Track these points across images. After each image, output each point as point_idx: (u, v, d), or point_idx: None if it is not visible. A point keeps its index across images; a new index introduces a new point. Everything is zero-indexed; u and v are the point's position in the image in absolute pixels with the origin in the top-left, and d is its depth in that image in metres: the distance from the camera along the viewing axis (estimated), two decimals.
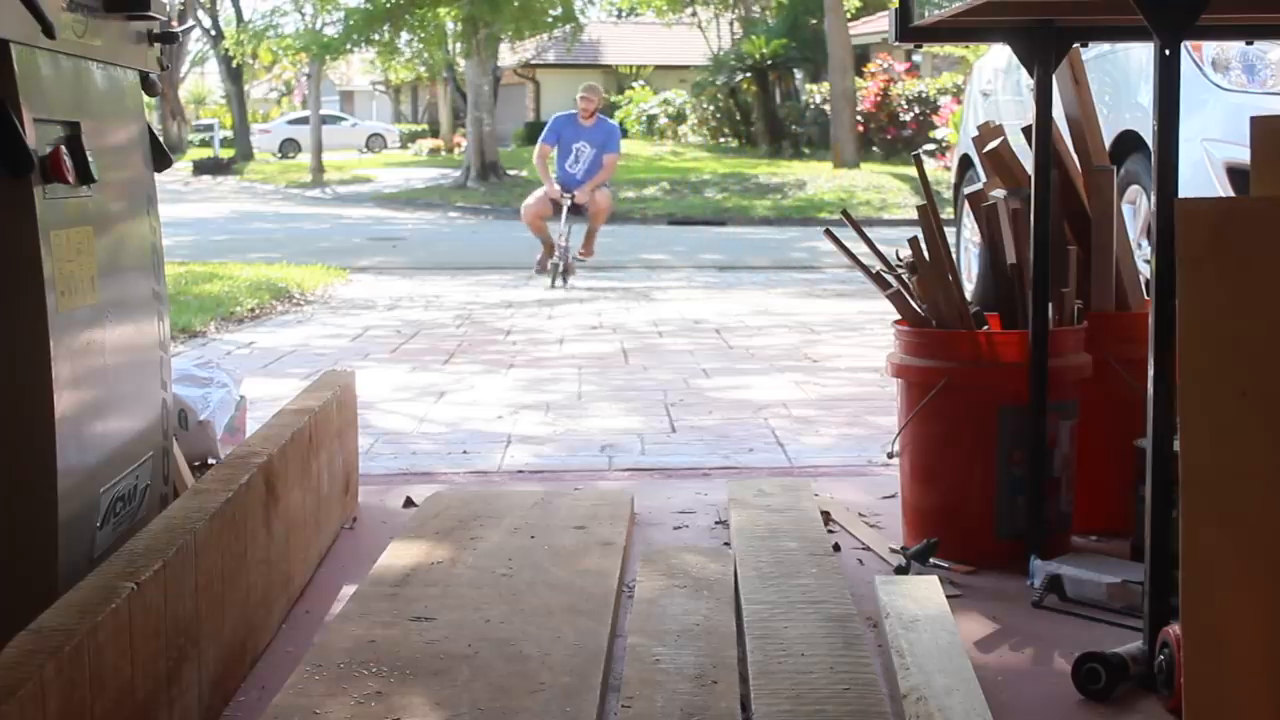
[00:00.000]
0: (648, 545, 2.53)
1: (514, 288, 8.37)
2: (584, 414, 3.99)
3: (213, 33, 34.33)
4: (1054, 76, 2.40)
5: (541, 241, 8.92)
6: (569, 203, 8.81)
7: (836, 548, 2.50)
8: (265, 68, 37.79)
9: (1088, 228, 2.61)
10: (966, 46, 16.10)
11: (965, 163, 6.40)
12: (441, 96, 37.49)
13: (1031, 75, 2.39)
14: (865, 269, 2.68)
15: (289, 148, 37.38)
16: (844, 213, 2.78)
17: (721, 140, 27.20)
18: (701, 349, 5.36)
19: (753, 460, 3.34)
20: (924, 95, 21.22)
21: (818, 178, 18.08)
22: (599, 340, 5.74)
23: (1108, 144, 3.95)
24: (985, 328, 2.55)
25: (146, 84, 2.24)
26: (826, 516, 2.71)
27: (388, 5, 21.30)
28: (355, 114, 47.35)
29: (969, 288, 2.74)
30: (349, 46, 23.10)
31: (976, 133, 2.75)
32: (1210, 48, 4.19)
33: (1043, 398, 2.39)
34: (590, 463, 3.35)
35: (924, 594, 2.13)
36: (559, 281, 8.43)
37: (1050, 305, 2.43)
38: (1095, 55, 4.58)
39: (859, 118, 21.34)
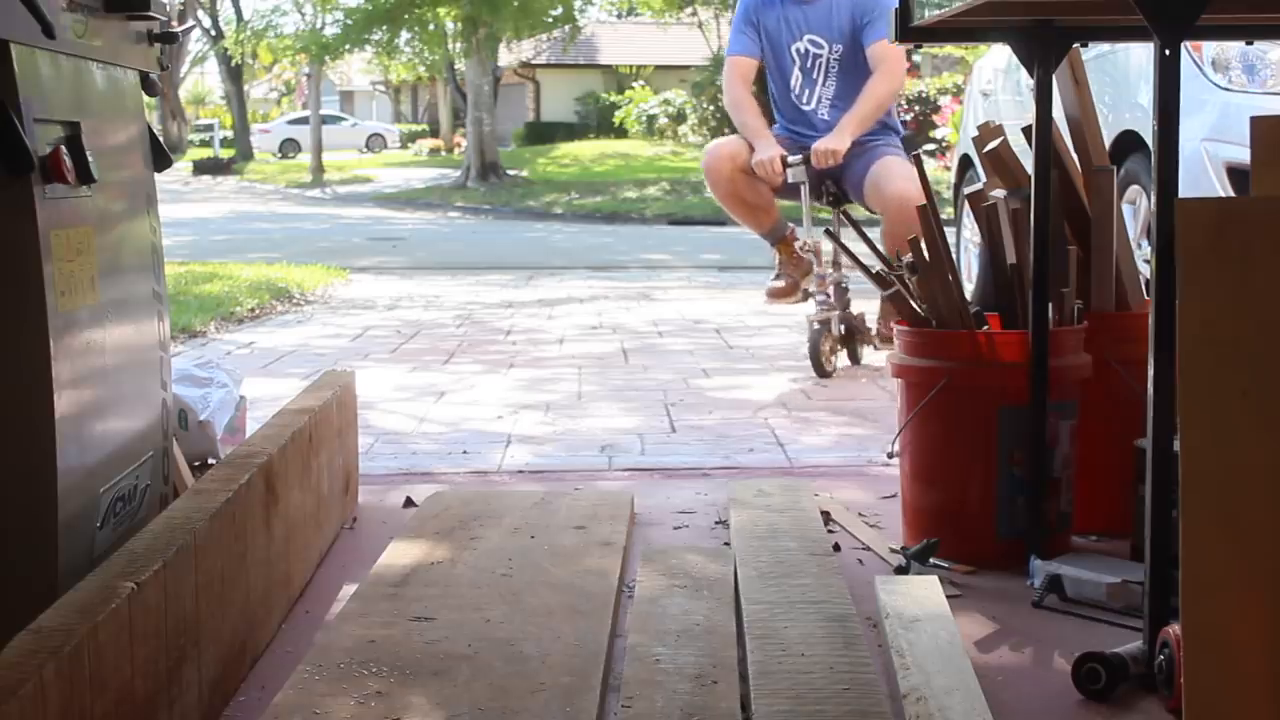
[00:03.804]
0: (648, 545, 2.53)
1: (514, 288, 8.36)
2: (584, 414, 3.99)
3: (213, 33, 34.35)
4: (1054, 76, 2.40)
5: (769, 244, 4.93)
6: (805, 175, 4.55)
7: (836, 548, 2.50)
8: (265, 68, 37.82)
9: (1088, 228, 2.61)
10: (966, 47, 16.11)
11: (965, 163, 6.40)
12: (441, 96, 37.51)
13: (1031, 75, 2.39)
14: (865, 269, 2.68)
15: (289, 148, 37.41)
16: (844, 213, 2.78)
17: (721, 140, 27.20)
18: (701, 349, 5.36)
19: (753, 460, 3.34)
20: (924, 95, 21.22)
21: None
22: (599, 340, 5.74)
23: (1108, 144, 3.95)
24: (985, 328, 2.56)
25: (146, 84, 2.24)
26: (826, 516, 2.71)
27: (387, 5, 21.31)
28: (355, 114, 47.37)
29: (969, 288, 2.74)
30: (348, 46, 23.10)
31: (976, 133, 2.75)
32: (1210, 48, 4.19)
33: (1043, 398, 2.39)
34: (590, 463, 3.35)
35: (924, 594, 2.13)
36: (829, 353, 4.55)
37: (1050, 305, 2.43)
38: (1095, 55, 4.58)
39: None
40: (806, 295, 4.83)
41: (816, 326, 4.53)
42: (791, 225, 4.93)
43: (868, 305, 4.75)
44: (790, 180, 4.57)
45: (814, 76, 4.68)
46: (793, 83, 4.73)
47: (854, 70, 4.60)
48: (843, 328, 4.63)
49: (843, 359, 4.68)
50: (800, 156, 4.52)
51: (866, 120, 4.54)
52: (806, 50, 4.68)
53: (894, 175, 4.46)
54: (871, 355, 4.72)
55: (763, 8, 4.71)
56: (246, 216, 17.54)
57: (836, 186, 4.69)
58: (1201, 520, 1.42)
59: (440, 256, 11.13)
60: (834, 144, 4.47)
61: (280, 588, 2.16)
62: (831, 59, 4.65)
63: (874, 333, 4.70)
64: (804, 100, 4.73)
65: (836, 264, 4.66)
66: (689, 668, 1.86)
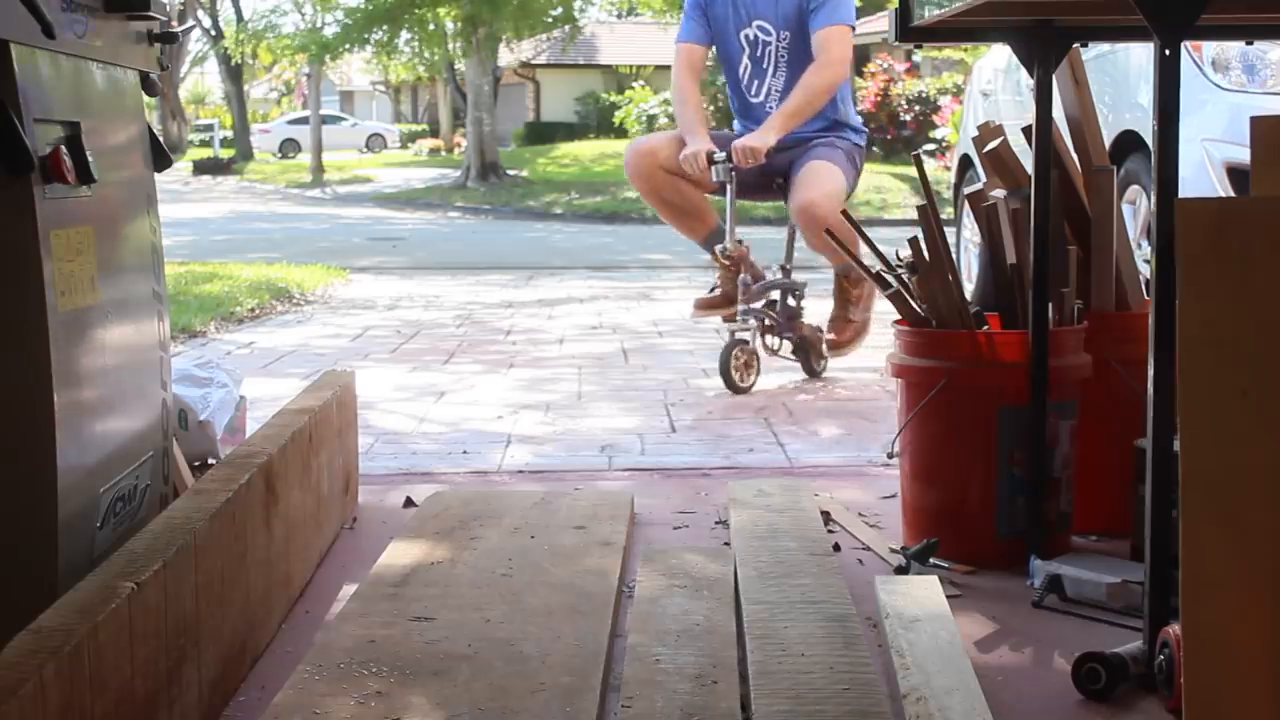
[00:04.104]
0: (648, 545, 2.53)
1: (514, 288, 8.36)
2: (584, 414, 3.99)
3: (213, 33, 34.36)
4: (1054, 76, 2.40)
5: (706, 250, 4.55)
6: (730, 175, 4.20)
7: (836, 548, 2.50)
8: (265, 68, 37.84)
9: (1088, 228, 2.61)
10: (965, 48, 16.11)
11: (965, 163, 6.41)
12: (441, 96, 37.51)
13: (1031, 75, 2.39)
14: (865, 269, 2.68)
15: (289, 148, 37.42)
16: (844, 212, 2.78)
17: None
18: (701, 349, 5.36)
19: (753, 460, 3.34)
20: (924, 95, 21.22)
21: None
22: (599, 340, 5.73)
23: (1108, 144, 3.95)
24: (985, 328, 2.56)
25: (146, 84, 2.24)
26: (826, 516, 2.71)
27: (387, 5, 21.31)
28: (355, 114, 47.38)
29: (969, 288, 2.74)
30: (348, 46, 23.11)
31: (976, 133, 2.75)
32: (1210, 48, 4.19)
33: (1043, 398, 2.39)
34: (590, 463, 3.35)
35: (924, 594, 2.13)
36: (743, 368, 4.21)
37: (1050, 305, 2.43)
38: (1095, 55, 4.58)
39: (859, 118, 21.34)
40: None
41: (731, 339, 4.23)
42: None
43: (821, 306, 4.71)
44: (716, 179, 4.25)
45: (764, 66, 4.36)
46: (741, 73, 4.41)
47: (804, 61, 4.26)
48: (780, 340, 4.39)
49: (775, 376, 4.42)
50: (726, 154, 4.19)
51: (797, 116, 4.22)
52: (755, 37, 4.35)
53: (807, 183, 4.18)
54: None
55: None
56: (246, 216, 17.54)
57: (787, 183, 4.35)
58: (1201, 520, 1.42)
59: (440, 256, 11.13)
60: (755, 142, 4.14)
61: (280, 588, 2.16)
62: (780, 48, 4.32)
63: (825, 342, 4.44)
64: (752, 92, 4.41)
65: (785, 270, 4.43)
66: (689, 668, 1.86)
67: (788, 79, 4.32)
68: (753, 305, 4.28)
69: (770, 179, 4.36)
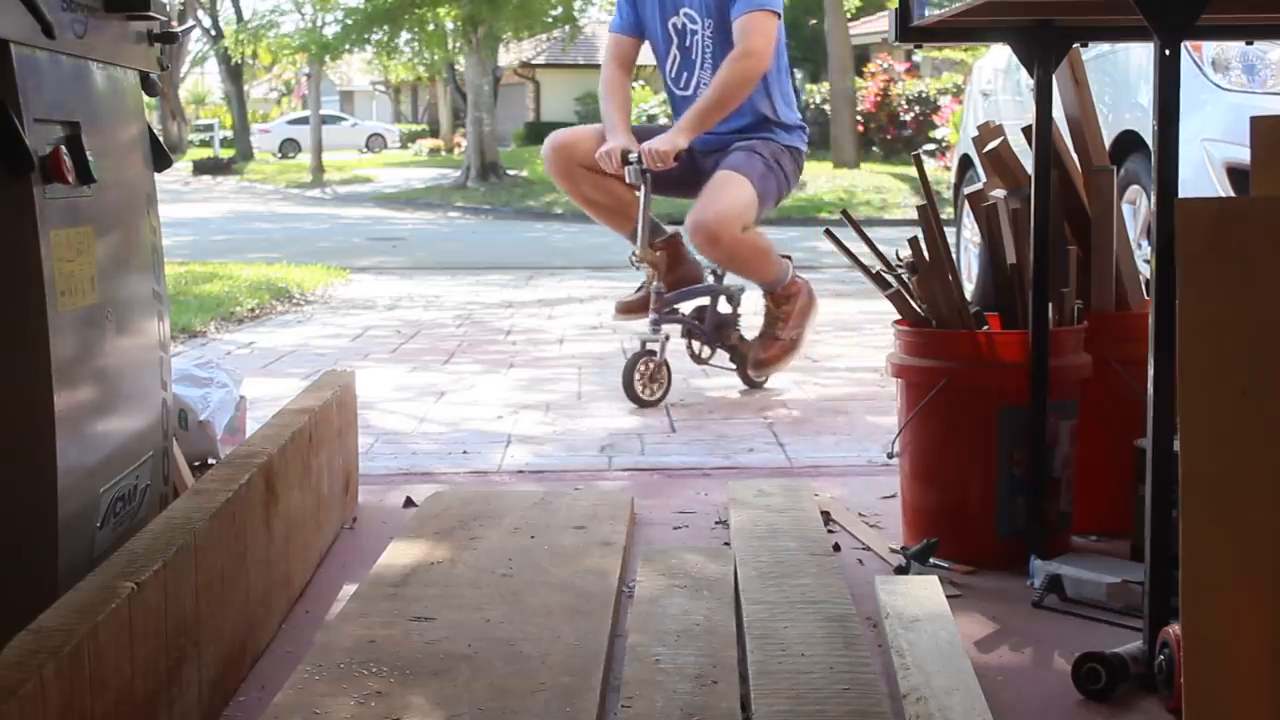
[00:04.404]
0: (648, 545, 2.53)
1: (514, 288, 8.36)
2: (584, 414, 3.99)
3: (213, 33, 34.36)
4: (1054, 76, 2.40)
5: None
6: (640, 177, 3.93)
7: (836, 548, 2.50)
8: (265, 68, 37.83)
9: (1088, 228, 2.61)
10: (965, 48, 16.12)
11: (965, 163, 6.41)
12: (441, 96, 37.51)
13: (1031, 75, 2.39)
14: (865, 269, 2.68)
15: (289, 148, 37.43)
16: (844, 213, 2.78)
17: None
18: None
19: (753, 460, 3.34)
20: (924, 95, 21.23)
21: (818, 178, 18.07)
22: (599, 340, 5.73)
23: (1108, 144, 3.95)
24: (985, 328, 2.56)
25: (146, 84, 2.24)
26: (826, 516, 2.71)
27: (387, 5, 21.31)
28: (355, 114, 47.39)
29: (969, 288, 2.74)
30: (348, 46, 23.11)
31: (976, 133, 2.75)
32: (1210, 48, 4.19)
33: (1043, 398, 2.39)
34: (590, 463, 3.35)
35: (924, 594, 2.13)
36: (646, 379, 4.04)
37: (1050, 305, 2.43)
38: (1095, 55, 4.58)
39: (859, 118, 21.36)
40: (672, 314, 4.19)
41: (641, 349, 4.01)
42: (676, 229, 4.24)
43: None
44: (629, 180, 3.97)
45: (693, 57, 4.05)
46: (670, 64, 4.11)
47: (730, 51, 3.93)
48: (709, 349, 4.26)
49: (688, 387, 4.30)
50: (638, 154, 3.91)
51: (710, 114, 3.92)
52: (684, 26, 4.05)
53: (704, 200, 3.89)
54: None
55: None
56: (246, 216, 17.54)
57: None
58: (1201, 520, 1.42)
59: (440, 256, 11.13)
60: (663, 146, 3.87)
61: (280, 588, 2.16)
62: (706, 37, 4.01)
63: (750, 361, 4.17)
64: (681, 84, 4.12)
65: (717, 275, 4.20)
66: (689, 668, 1.86)
67: (715, 72, 3.98)
68: (664, 313, 4.08)
69: (700, 177, 4.01)
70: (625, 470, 3.26)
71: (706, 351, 4.31)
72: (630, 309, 4.25)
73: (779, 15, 3.93)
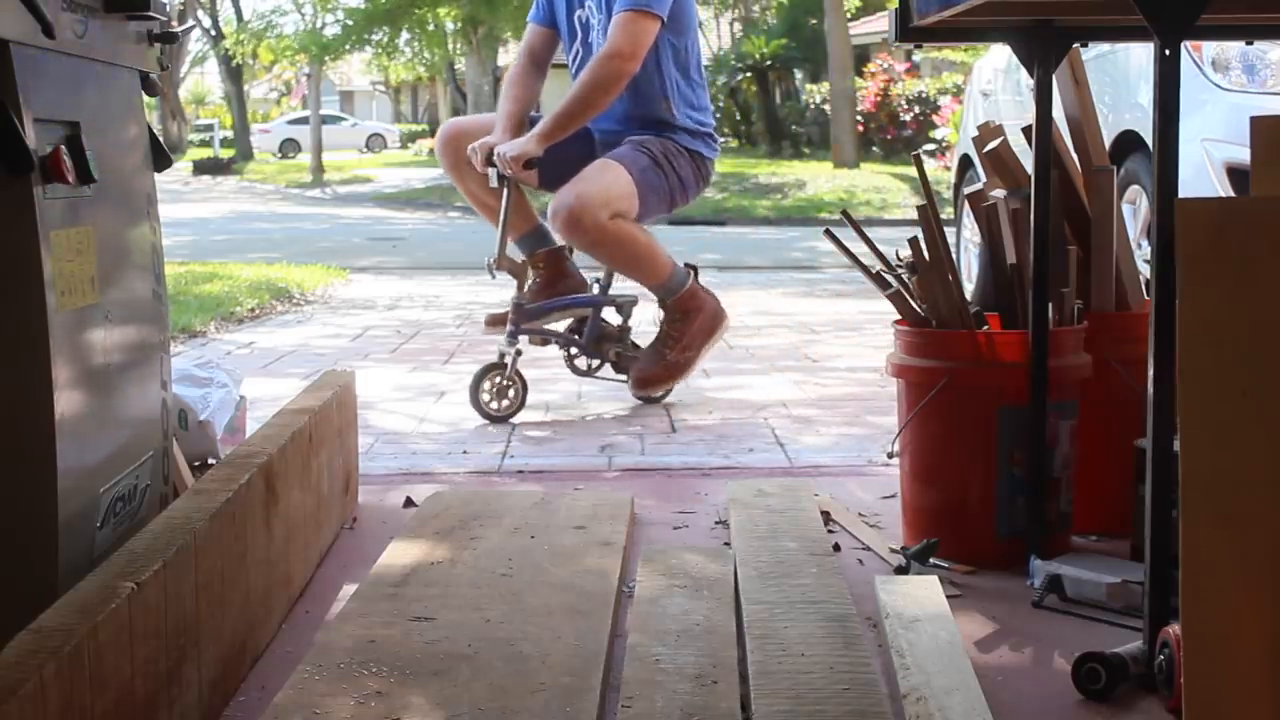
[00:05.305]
0: (648, 545, 2.53)
1: (514, 287, 8.34)
2: (584, 414, 3.99)
3: (213, 33, 34.37)
4: (1054, 76, 2.40)
5: (523, 254, 4.17)
6: (498, 175, 3.79)
7: (836, 548, 2.50)
8: (265, 68, 37.85)
9: (1088, 228, 2.62)
10: (965, 48, 16.12)
11: (965, 163, 6.41)
12: (441, 97, 37.52)
13: (1031, 75, 2.39)
14: (865, 269, 2.68)
15: (289, 148, 37.45)
16: (844, 213, 2.78)
17: (721, 140, 27.23)
18: None
19: (753, 460, 3.34)
20: (924, 95, 21.23)
21: (818, 178, 18.08)
22: None
23: (1108, 144, 3.95)
24: (985, 328, 2.56)
25: (146, 84, 2.24)
26: (826, 516, 2.71)
27: (387, 5, 21.33)
28: (355, 114, 47.41)
29: (969, 288, 2.74)
30: (348, 47, 23.13)
31: (976, 133, 2.75)
32: (1210, 48, 4.19)
33: (1043, 398, 2.39)
34: (590, 463, 3.35)
35: (924, 594, 2.13)
36: (494, 392, 3.86)
37: (1050, 305, 2.43)
38: (1095, 55, 4.59)
39: (859, 118, 21.37)
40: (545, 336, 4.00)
41: (498, 360, 3.83)
42: (564, 245, 4.02)
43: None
44: (492, 183, 3.79)
45: (593, 53, 3.76)
46: (573, 59, 3.89)
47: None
48: (591, 361, 4.04)
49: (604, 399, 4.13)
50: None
51: (569, 118, 3.69)
52: (587, 20, 3.83)
53: (570, 183, 3.65)
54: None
55: None
56: (246, 216, 17.54)
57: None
58: (1201, 520, 1.42)
59: (440, 256, 11.13)
60: (514, 151, 3.66)
61: (280, 588, 2.16)
62: (601, 33, 3.77)
63: (630, 377, 3.89)
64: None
65: (602, 285, 3.99)
66: (689, 668, 1.86)
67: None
68: (522, 326, 3.88)
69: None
70: (625, 470, 3.26)
71: (591, 364, 4.06)
72: (498, 321, 3.99)
73: (658, 18, 3.63)
